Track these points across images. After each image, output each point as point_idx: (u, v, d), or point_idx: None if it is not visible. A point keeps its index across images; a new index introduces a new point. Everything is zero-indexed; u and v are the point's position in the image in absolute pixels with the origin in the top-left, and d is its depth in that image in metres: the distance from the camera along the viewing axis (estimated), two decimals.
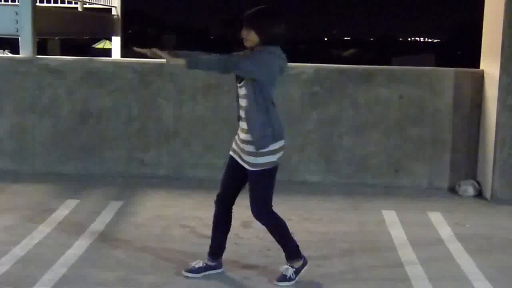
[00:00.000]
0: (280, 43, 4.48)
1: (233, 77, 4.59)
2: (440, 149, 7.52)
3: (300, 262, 4.78)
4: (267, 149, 4.50)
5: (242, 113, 4.55)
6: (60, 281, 4.71)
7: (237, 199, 4.80)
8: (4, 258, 5.10)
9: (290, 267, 4.77)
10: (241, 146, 4.60)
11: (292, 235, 4.85)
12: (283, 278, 4.76)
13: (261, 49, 4.42)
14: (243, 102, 4.53)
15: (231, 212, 4.83)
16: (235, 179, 4.74)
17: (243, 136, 4.57)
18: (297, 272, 4.77)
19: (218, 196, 4.81)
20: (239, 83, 4.52)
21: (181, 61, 4.36)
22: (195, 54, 4.50)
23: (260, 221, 4.73)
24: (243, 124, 4.56)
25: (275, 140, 4.52)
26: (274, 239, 4.83)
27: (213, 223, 4.87)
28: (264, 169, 4.55)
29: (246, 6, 4.94)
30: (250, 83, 4.43)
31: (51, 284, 4.65)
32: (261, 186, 4.61)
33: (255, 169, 4.55)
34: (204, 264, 4.87)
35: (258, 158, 4.52)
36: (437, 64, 37.92)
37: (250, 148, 4.52)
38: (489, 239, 5.92)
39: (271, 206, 4.70)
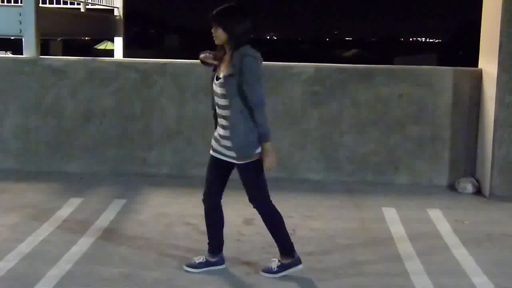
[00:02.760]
0: (248, 39, 4.56)
1: None
2: (439, 147, 7.58)
3: (289, 260, 4.85)
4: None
5: (222, 112, 4.61)
6: (65, 277, 4.79)
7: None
8: (10, 255, 5.17)
9: (277, 261, 4.88)
10: (222, 143, 4.66)
11: (290, 235, 4.94)
12: (267, 270, 4.88)
13: (244, 58, 4.45)
14: (222, 101, 4.59)
15: (221, 207, 4.89)
16: (218, 175, 4.81)
17: (223, 132, 4.63)
18: (282, 267, 4.85)
19: (204, 194, 4.87)
20: (217, 80, 4.59)
21: (269, 145, 4.54)
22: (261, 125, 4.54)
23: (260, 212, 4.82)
24: (222, 121, 4.63)
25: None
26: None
27: (206, 221, 4.95)
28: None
29: (250, 8, 5.03)
30: (236, 84, 4.49)
31: (56, 280, 4.72)
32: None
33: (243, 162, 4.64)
34: (205, 260, 4.95)
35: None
36: (439, 64, 37.80)
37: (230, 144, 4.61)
38: (487, 235, 5.98)
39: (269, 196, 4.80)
